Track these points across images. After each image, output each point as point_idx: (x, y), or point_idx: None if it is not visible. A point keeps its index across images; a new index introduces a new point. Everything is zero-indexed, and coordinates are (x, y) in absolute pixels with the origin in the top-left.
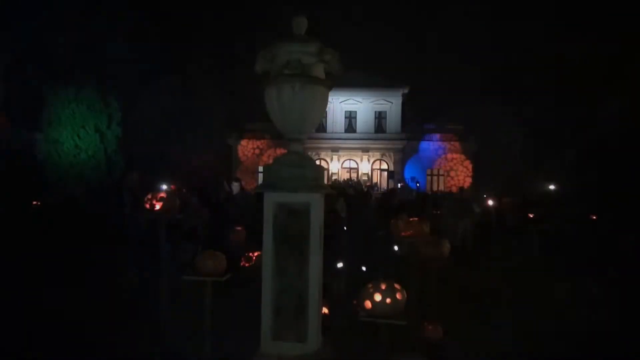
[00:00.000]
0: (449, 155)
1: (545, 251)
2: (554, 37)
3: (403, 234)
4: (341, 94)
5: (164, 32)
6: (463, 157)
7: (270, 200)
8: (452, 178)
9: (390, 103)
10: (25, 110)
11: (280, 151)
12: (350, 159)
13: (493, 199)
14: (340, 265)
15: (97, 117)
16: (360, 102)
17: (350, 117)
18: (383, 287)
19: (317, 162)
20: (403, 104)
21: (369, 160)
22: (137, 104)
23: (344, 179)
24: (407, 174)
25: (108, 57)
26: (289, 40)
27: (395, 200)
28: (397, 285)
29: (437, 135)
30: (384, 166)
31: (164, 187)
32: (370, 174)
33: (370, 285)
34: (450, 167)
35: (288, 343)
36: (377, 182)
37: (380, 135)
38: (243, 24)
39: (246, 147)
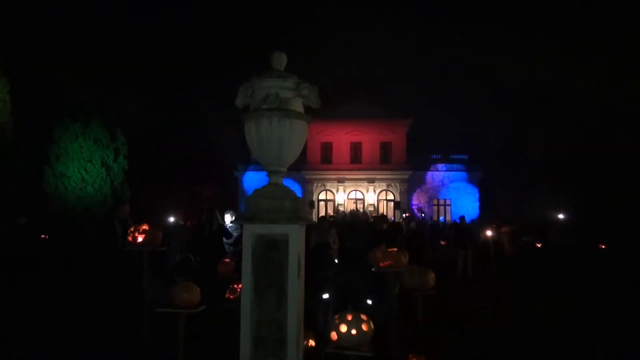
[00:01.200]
0: (455, 185)
1: (545, 278)
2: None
3: (382, 264)
4: (346, 125)
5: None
6: (468, 185)
7: (249, 232)
8: (459, 207)
9: (395, 134)
10: (34, 145)
11: (284, 183)
12: (356, 190)
13: (491, 229)
14: (326, 296)
15: (103, 151)
16: (366, 133)
17: (356, 148)
18: (349, 318)
19: (315, 193)
20: (408, 134)
21: (374, 190)
22: (144, 137)
23: (350, 210)
24: (413, 205)
25: (115, 92)
26: (267, 76)
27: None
28: (363, 316)
29: (443, 165)
30: (390, 196)
31: (172, 219)
32: (376, 204)
33: (336, 317)
34: (456, 196)
35: None
36: (383, 213)
37: (385, 165)
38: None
39: (252, 179)
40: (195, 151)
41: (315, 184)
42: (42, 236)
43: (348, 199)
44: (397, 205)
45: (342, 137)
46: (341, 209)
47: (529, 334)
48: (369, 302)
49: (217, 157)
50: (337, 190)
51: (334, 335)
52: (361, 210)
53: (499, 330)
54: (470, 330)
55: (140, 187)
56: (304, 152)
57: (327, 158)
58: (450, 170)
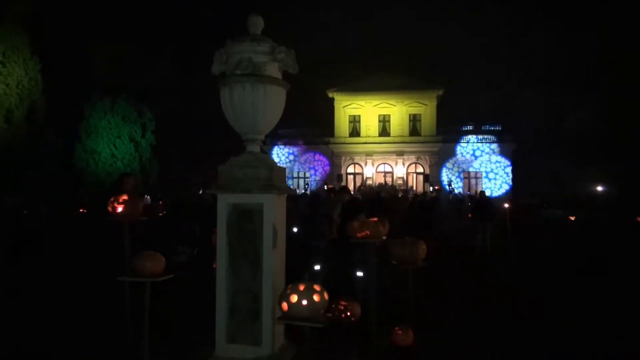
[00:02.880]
0: (487, 157)
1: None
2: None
3: (358, 234)
4: (374, 97)
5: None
6: (501, 158)
7: (224, 202)
8: (491, 180)
9: (424, 105)
10: (65, 123)
11: (312, 157)
12: (384, 163)
13: (509, 202)
14: (317, 267)
15: (131, 127)
16: (394, 105)
17: (384, 120)
18: (301, 288)
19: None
20: (438, 105)
21: (404, 164)
22: (170, 110)
23: (378, 183)
24: (444, 177)
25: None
26: (241, 40)
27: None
28: (317, 287)
29: (474, 137)
30: (420, 170)
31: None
32: (405, 177)
33: (289, 287)
34: (489, 169)
35: (243, 346)
36: (412, 186)
37: (415, 138)
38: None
39: (280, 153)
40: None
41: (343, 158)
42: (80, 210)
43: (377, 172)
44: (426, 178)
45: (370, 109)
46: (369, 182)
47: (527, 319)
48: (360, 274)
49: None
50: (366, 164)
51: (284, 306)
52: (389, 183)
53: (497, 309)
54: (470, 308)
55: (168, 162)
56: (331, 126)
57: (355, 131)
58: (482, 142)
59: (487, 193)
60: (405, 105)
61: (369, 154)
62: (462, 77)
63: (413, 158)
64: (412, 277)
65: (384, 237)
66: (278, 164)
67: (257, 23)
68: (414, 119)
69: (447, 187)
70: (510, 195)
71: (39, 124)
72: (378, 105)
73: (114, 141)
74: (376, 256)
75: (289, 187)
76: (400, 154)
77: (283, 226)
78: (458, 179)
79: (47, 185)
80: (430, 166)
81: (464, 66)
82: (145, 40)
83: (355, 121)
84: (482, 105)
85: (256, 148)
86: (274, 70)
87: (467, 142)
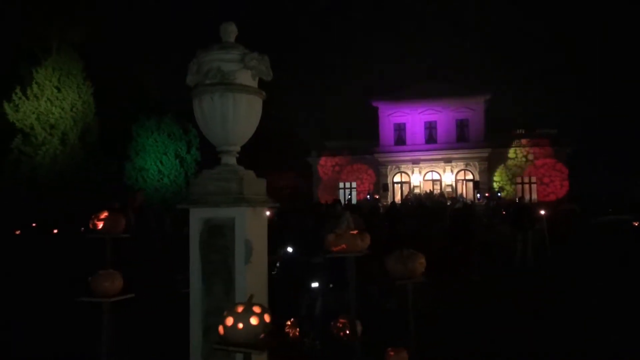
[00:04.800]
0: (541, 161)
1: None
2: None
3: (334, 248)
4: (420, 104)
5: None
6: (557, 162)
7: (196, 216)
8: (547, 186)
9: (472, 110)
10: (116, 143)
11: (358, 167)
12: (432, 171)
13: (545, 208)
14: (315, 285)
15: (176, 144)
16: (440, 112)
17: (431, 127)
18: (239, 310)
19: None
20: (486, 110)
21: (452, 171)
22: None
23: (425, 192)
24: (495, 184)
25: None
26: (209, 49)
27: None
28: (257, 309)
29: (526, 141)
30: (469, 176)
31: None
32: (454, 185)
33: (228, 309)
34: (543, 174)
35: None
36: (462, 194)
37: (463, 144)
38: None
39: (325, 165)
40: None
41: (389, 167)
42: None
43: (424, 180)
44: (476, 185)
45: (415, 117)
46: (417, 190)
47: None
48: (315, 284)
49: (292, 144)
50: (412, 172)
51: (220, 329)
52: (437, 191)
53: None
54: (481, 332)
55: None
56: (376, 135)
57: (400, 139)
58: (535, 146)
59: (542, 199)
60: (452, 111)
61: (415, 162)
62: (513, 80)
63: (461, 165)
64: (411, 293)
65: (367, 251)
66: (254, 176)
67: (229, 30)
68: (461, 125)
69: (498, 193)
70: (565, 200)
71: (92, 144)
72: (424, 112)
73: (161, 158)
74: (356, 271)
75: (268, 200)
76: (448, 160)
77: (262, 241)
78: (510, 185)
79: (100, 204)
80: (479, 172)
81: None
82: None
83: (400, 129)
84: (536, 108)
85: (231, 160)
86: (245, 78)
87: (519, 146)
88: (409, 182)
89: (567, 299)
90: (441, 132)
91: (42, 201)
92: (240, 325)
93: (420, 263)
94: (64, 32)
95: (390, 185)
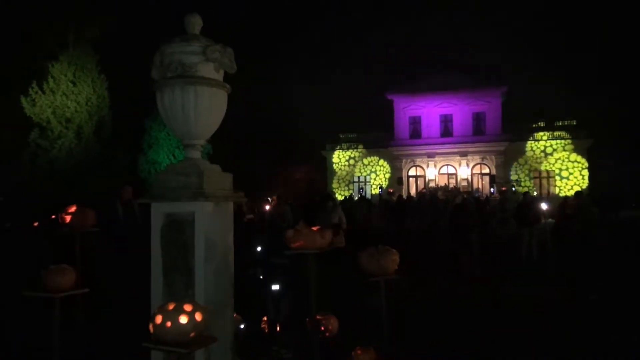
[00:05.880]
0: (560, 155)
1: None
2: None
3: (293, 245)
4: (435, 97)
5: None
6: (576, 155)
7: (157, 211)
8: (565, 179)
9: (488, 103)
10: (130, 136)
11: (372, 160)
12: (447, 165)
13: (547, 203)
14: (275, 287)
15: None
16: (456, 104)
17: (446, 120)
18: (169, 308)
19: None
20: (503, 103)
21: (467, 164)
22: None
23: (440, 185)
24: (511, 177)
25: None
26: (171, 41)
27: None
28: (188, 307)
29: (545, 134)
30: (485, 170)
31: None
32: (470, 179)
33: (159, 306)
34: (562, 167)
35: None
36: (478, 188)
37: (479, 137)
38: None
39: (340, 157)
40: (286, 131)
41: (404, 160)
42: None
43: (439, 174)
44: (492, 179)
45: (430, 110)
46: (432, 184)
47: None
48: (275, 287)
49: (307, 136)
50: (428, 166)
51: (151, 327)
52: (452, 185)
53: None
54: (470, 331)
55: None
56: (391, 128)
57: (416, 132)
58: (554, 139)
59: (561, 193)
60: (468, 103)
61: (430, 156)
62: (532, 72)
63: (478, 158)
64: (384, 290)
65: (328, 247)
66: (219, 171)
67: (194, 22)
68: (478, 118)
69: (513, 187)
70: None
71: (106, 138)
72: (439, 105)
73: (173, 151)
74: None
75: (235, 195)
76: (464, 154)
77: (226, 237)
78: (528, 179)
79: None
80: (496, 166)
81: (533, 60)
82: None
83: (415, 122)
84: (555, 101)
85: (196, 154)
86: (208, 71)
87: (538, 139)
88: (424, 176)
89: (563, 299)
90: (457, 125)
91: (58, 194)
92: (169, 324)
93: (392, 260)
94: (81, 27)
95: (405, 179)
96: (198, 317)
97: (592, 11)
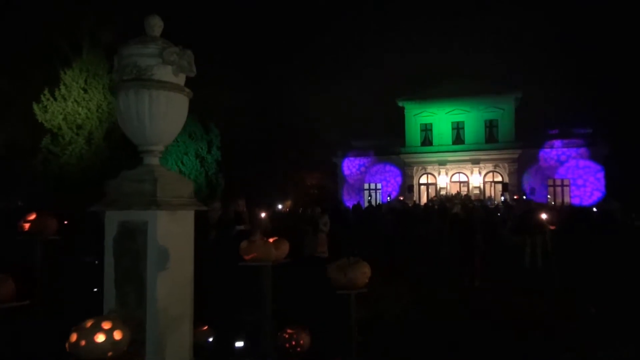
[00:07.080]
0: (575, 163)
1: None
2: None
3: (245, 256)
4: (446, 104)
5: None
6: (592, 163)
7: (111, 219)
8: (580, 188)
9: (501, 110)
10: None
11: (383, 167)
12: (459, 172)
13: (546, 210)
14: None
15: (197, 144)
16: (468, 111)
17: (458, 127)
18: (87, 325)
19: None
20: (517, 110)
21: (480, 172)
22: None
23: (451, 193)
24: (525, 186)
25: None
26: (128, 43)
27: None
28: (106, 324)
29: (559, 141)
30: (498, 178)
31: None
32: (482, 187)
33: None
34: (577, 175)
35: None
36: (490, 196)
37: (491, 145)
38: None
39: (350, 165)
40: (297, 137)
41: (415, 168)
42: None
43: (451, 182)
44: (504, 187)
45: (442, 117)
46: (443, 192)
47: None
48: None
49: (318, 143)
50: (439, 174)
51: (67, 346)
52: (464, 193)
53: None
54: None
55: (234, 177)
56: (401, 135)
57: (427, 140)
58: (569, 147)
59: (576, 201)
60: (480, 110)
61: (442, 164)
62: (547, 78)
63: (490, 166)
64: (354, 304)
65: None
66: (177, 177)
67: (153, 23)
68: (490, 125)
69: (529, 195)
70: (604, 202)
71: (116, 144)
72: (451, 112)
73: (182, 158)
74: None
75: (194, 203)
76: (476, 162)
77: (184, 248)
78: (542, 188)
79: None
80: (509, 174)
81: (548, 66)
82: (205, 59)
83: (427, 129)
84: (570, 107)
85: (154, 160)
86: (165, 74)
87: (552, 147)
88: (435, 184)
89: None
90: (469, 133)
91: (69, 199)
92: (83, 342)
93: (362, 273)
94: (94, 32)
95: (416, 187)
96: (117, 335)
97: (609, 16)
